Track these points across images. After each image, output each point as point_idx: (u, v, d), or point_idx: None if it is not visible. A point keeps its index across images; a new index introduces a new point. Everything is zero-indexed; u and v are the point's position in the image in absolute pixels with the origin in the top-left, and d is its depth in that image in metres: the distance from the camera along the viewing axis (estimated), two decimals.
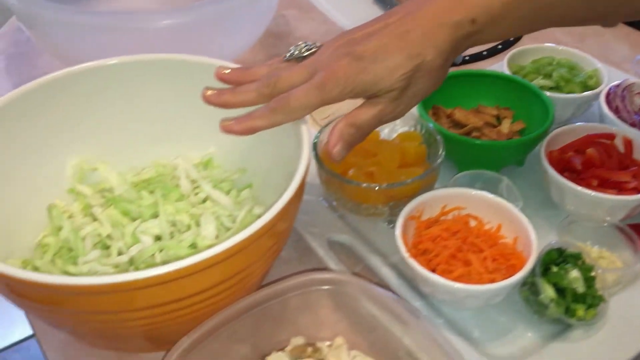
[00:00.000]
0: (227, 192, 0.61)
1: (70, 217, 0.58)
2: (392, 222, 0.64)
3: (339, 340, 0.46)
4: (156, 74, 0.60)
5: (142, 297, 0.40)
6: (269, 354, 0.47)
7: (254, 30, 0.87)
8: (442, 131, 0.63)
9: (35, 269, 0.52)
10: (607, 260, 0.59)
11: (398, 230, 0.54)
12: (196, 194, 0.61)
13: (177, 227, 0.57)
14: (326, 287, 0.48)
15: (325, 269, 0.59)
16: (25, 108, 0.54)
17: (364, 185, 0.57)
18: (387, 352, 0.47)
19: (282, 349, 0.48)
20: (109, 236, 0.56)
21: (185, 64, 0.59)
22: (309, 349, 0.46)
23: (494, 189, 0.65)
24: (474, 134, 0.70)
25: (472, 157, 0.66)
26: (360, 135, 0.48)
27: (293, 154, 0.49)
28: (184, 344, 0.42)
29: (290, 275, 0.48)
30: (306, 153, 0.48)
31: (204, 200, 0.61)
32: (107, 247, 0.55)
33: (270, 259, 0.49)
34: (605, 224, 0.60)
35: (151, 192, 0.60)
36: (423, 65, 0.45)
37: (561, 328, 0.53)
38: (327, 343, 0.47)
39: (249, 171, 0.63)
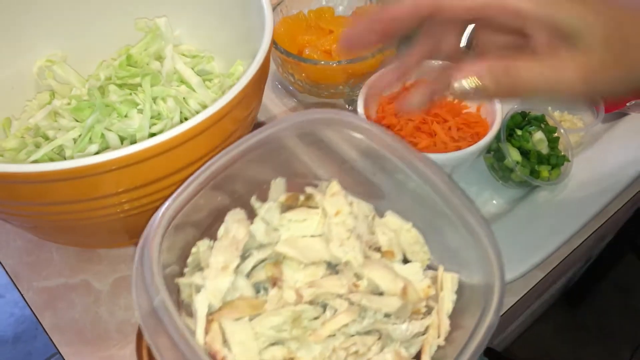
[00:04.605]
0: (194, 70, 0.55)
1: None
2: (352, 102, 0.62)
3: (335, 186, 0.39)
4: None
5: (109, 182, 0.37)
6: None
7: None
8: None
9: None
10: (569, 122, 0.59)
11: (360, 108, 0.52)
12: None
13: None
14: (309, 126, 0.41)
15: None
16: None
17: (322, 62, 0.54)
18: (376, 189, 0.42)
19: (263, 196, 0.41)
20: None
21: None
22: (301, 197, 0.40)
23: None
24: None
25: None
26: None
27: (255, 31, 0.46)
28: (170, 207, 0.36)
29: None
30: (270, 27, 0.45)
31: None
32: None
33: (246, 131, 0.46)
34: None
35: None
36: None
37: (526, 191, 0.54)
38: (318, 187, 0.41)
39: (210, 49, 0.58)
